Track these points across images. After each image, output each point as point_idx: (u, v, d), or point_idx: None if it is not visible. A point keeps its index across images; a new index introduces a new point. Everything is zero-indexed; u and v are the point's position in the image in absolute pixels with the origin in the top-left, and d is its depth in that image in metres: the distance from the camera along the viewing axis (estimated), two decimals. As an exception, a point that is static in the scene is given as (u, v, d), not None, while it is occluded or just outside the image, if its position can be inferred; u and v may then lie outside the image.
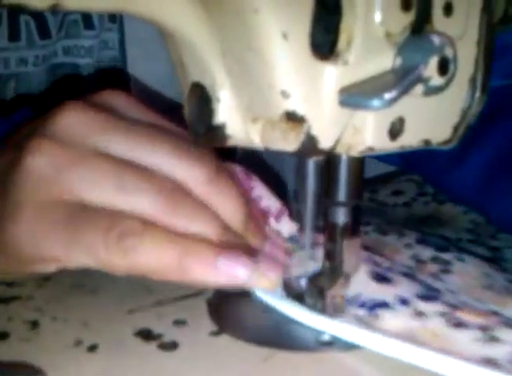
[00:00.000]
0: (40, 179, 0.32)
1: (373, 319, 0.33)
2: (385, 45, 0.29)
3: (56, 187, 0.32)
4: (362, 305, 0.34)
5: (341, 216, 0.33)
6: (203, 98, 0.31)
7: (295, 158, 0.35)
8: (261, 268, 0.33)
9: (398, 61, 0.29)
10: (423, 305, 0.34)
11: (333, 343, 0.32)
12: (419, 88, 0.29)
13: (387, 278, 0.36)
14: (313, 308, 0.33)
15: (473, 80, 0.32)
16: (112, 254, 0.31)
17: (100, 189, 0.32)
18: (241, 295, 0.35)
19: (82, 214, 0.32)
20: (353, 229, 0.34)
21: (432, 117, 0.32)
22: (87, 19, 0.53)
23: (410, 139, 0.31)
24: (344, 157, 0.32)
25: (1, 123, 0.42)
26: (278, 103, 0.29)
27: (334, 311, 0.33)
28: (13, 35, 0.49)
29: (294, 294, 0.35)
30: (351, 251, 0.34)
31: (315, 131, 0.29)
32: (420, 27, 0.29)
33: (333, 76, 0.28)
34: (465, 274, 0.39)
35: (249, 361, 0.31)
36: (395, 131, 0.30)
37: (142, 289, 0.37)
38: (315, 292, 0.33)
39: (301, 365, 0.31)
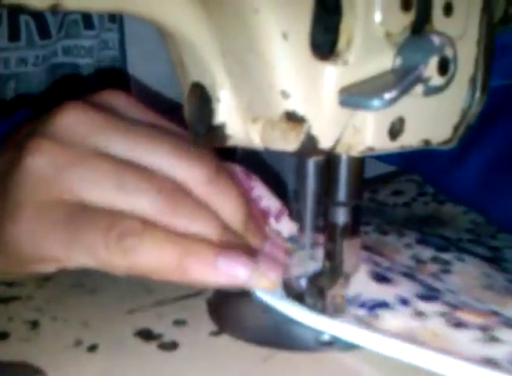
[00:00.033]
0: (40, 179, 0.32)
1: (373, 319, 0.33)
2: (385, 45, 0.29)
3: (56, 187, 0.32)
4: (362, 305, 0.34)
5: (341, 216, 0.33)
6: (203, 98, 0.31)
7: (295, 158, 0.35)
8: (261, 268, 0.33)
9: (398, 61, 0.29)
10: (423, 305, 0.34)
11: (333, 343, 0.32)
12: (419, 88, 0.29)
13: (387, 278, 0.36)
14: (313, 308, 0.33)
15: (473, 80, 0.32)
16: (112, 254, 0.31)
17: (100, 189, 0.32)
18: (241, 295, 0.35)
19: (82, 214, 0.32)
20: (353, 229, 0.34)
21: (432, 117, 0.32)
22: (87, 19, 0.53)
23: (410, 139, 0.31)
24: (344, 157, 0.32)
25: (1, 123, 0.42)
26: (278, 102, 0.29)
27: (334, 311, 0.33)
28: (13, 35, 0.49)
29: (294, 294, 0.35)
30: (351, 251, 0.34)
31: (315, 132, 0.29)
32: (420, 27, 0.29)
33: (333, 76, 0.28)
34: (465, 274, 0.39)
35: (249, 361, 0.31)
36: (395, 131, 0.30)
37: (142, 289, 0.37)
38: (315, 292, 0.33)
39: (301, 365, 0.31)
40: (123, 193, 0.32)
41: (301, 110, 0.29)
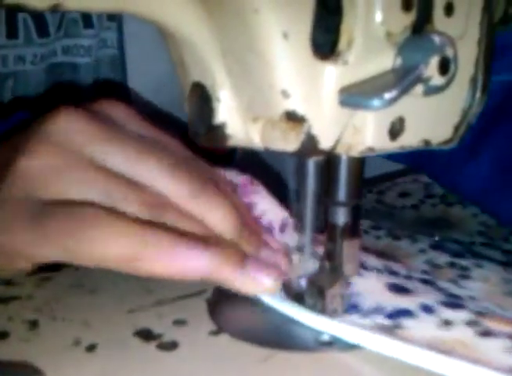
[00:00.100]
0: (30, 179, 0.33)
1: (397, 328, 0.32)
2: (386, 44, 0.29)
3: (43, 188, 0.33)
4: (385, 314, 0.33)
5: (341, 216, 0.33)
6: (203, 97, 0.31)
7: (295, 158, 0.35)
8: (248, 271, 0.33)
9: (399, 61, 0.29)
10: (448, 313, 0.33)
11: (333, 343, 0.32)
12: (419, 88, 0.29)
13: (408, 289, 0.35)
14: (313, 308, 0.33)
15: (473, 80, 0.32)
16: (76, 244, 0.31)
17: (86, 198, 0.33)
18: (241, 295, 0.35)
19: (49, 208, 0.32)
20: (353, 229, 0.33)
21: (432, 117, 0.32)
22: (86, 18, 0.53)
23: (410, 139, 0.31)
24: (344, 157, 0.32)
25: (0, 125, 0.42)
26: (278, 102, 0.29)
27: (334, 311, 0.33)
28: (11, 33, 0.49)
29: (294, 294, 0.35)
30: (350, 251, 0.34)
31: (315, 131, 0.29)
32: (421, 26, 0.29)
33: (333, 76, 0.28)
34: (484, 280, 0.38)
35: (249, 361, 0.31)
36: (395, 131, 0.30)
37: (142, 289, 0.37)
38: (315, 292, 0.33)
39: (301, 365, 0.31)
40: (108, 203, 0.32)
41: (301, 110, 0.29)
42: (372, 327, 0.32)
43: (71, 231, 0.31)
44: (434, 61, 0.29)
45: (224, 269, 0.32)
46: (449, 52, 0.29)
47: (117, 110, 0.37)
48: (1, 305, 0.36)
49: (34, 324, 0.34)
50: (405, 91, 0.28)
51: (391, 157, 0.55)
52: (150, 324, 0.34)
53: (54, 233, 0.32)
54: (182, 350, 0.32)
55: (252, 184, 0.39)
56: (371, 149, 0.30)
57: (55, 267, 0.40)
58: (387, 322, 0.33)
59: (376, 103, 0.28)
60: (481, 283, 0.38)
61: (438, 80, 0.29)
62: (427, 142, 0.32)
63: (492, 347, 0.30)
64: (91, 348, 0.32)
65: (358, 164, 0.33)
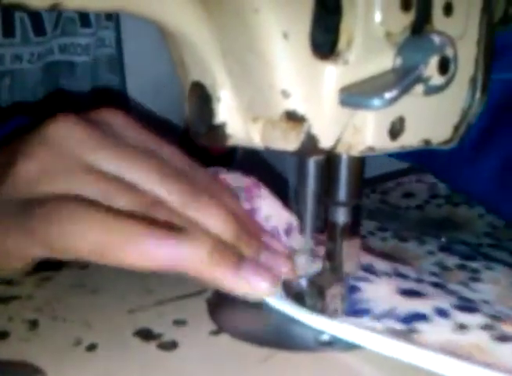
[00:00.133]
0: (26, 182, 0.33)
1: (412, 332, 0.32)
2: (385, 44, 0.29)
3: (39, 188, 0.33)
4: (398, 318, 0.33)
5: (341, 216, 0.33)
6: (203, 97, 0.31)
7: (295, 158, 0.35)
8: (242, 273, 0.33)
9: (399, 61, 0.29)
10: (463, 317, 0.33)
11: (333, 343, 0.32)
12: (419, 88, 0.29)
13: (419, 292, 0.35)
14: (313, 308, 0.33)
15: (473, 80, 0.32)
16: (55, 240, 0.32)
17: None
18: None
19: (34, 208, 0.33)
20: (353, 228, 0.34)
21: (432, 117, 0.32)
22: (83, 16, 0.53)
23: (410, 139, 0.31)
24: (344, 157, 0.32)
25: None
26: (278, 102, 0.29)
27: (334, 311, 0.33)
28: (8, 31, 0.49)
29: (294, 294, 0.35)
30: (350, 251, 0.34)
31: (315, 131, 0.29)
32: (420, 26, 0.29)
33: (333, 75, 0.28)
34: (495, 283, 0.38)
35: (249, 361, 0.31)
36: (395, 130, 0.30)
37: (142, 289, 0.37)
38: (315, 292, 0.33)
39: (301, 365, 0.31)
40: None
41: (301, 110, 0.29)
42: (382, 331, 0.32)
43: (50, 227, 0.32)
44: (434, 61, 0.29)
45: (216, 269, 0.32)
46: (449, 52, 0.29)
47: (115, 118, 0.37)
48: (2, 305, 0.36)
49: (34, 324, 0.34)
50: (405, 91, 0.28)
51: (395, 155, 0.55)
52: (150, 324, 0.34)
53: (37, 231, 0.32)
54: (182, 350, 0.32)
55: (257, 187, 0.39)
56: (371, 148, 0.30)
57: (55, 266, 0.40)
58: (399, 326, 0.32)
59: (376, 102, 0.28)
60: (492, 285, 0.38)
61: (437, 80, 0.29)
62: (427, 142, 0.32)
63: (508, 351, 0.30)
64: (91, 347, 0.32)
65: (359, 163, 0.33)
